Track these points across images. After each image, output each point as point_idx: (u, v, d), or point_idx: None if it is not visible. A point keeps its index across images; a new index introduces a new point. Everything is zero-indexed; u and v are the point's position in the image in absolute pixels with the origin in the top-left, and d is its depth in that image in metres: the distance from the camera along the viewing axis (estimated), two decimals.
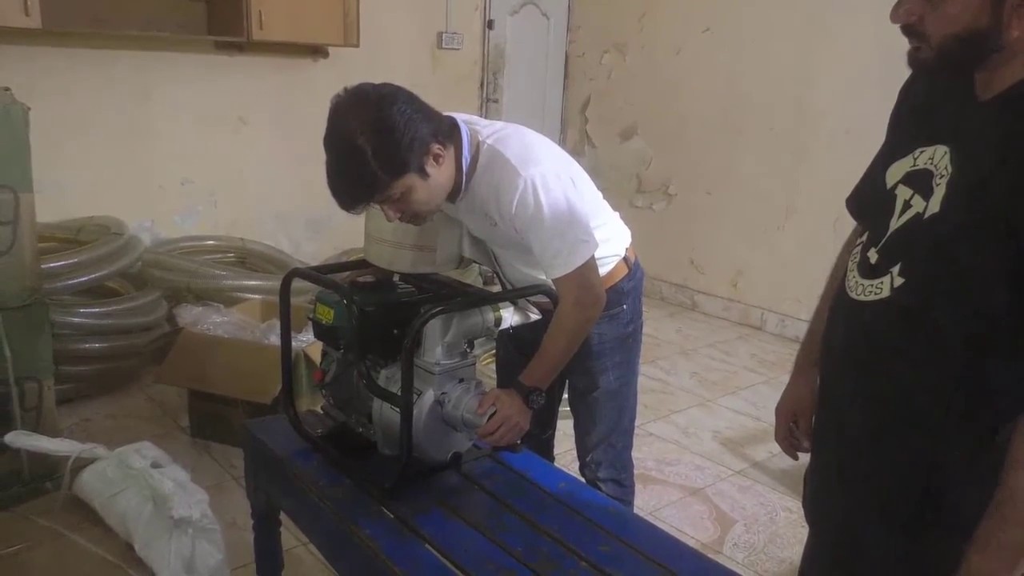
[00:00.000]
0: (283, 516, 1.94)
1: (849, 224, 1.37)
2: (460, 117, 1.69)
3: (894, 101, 1.26)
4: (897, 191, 1.13)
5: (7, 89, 2.35)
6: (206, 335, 3.06)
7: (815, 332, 1.36)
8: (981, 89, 1.06)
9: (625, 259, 1.89)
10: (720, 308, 5.13)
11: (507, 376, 1.98)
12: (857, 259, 1.18)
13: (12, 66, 3.46)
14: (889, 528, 1.15)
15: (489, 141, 1.66)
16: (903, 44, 1.10)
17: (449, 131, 1.62)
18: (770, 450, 3.27)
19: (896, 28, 1.09)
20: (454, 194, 1.68)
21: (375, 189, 1.53)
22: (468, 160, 1.65)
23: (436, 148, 1.57)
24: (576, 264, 1.63)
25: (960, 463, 1.07)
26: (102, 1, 3.76)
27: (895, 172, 1.15)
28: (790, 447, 1.47)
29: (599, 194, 1.88)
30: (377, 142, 1.48)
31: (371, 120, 1.49)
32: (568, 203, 1.62)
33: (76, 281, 3.23)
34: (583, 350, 1.84)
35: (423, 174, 1.56)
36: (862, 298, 1.13)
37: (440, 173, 1.60)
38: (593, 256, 1.67)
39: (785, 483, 2.99)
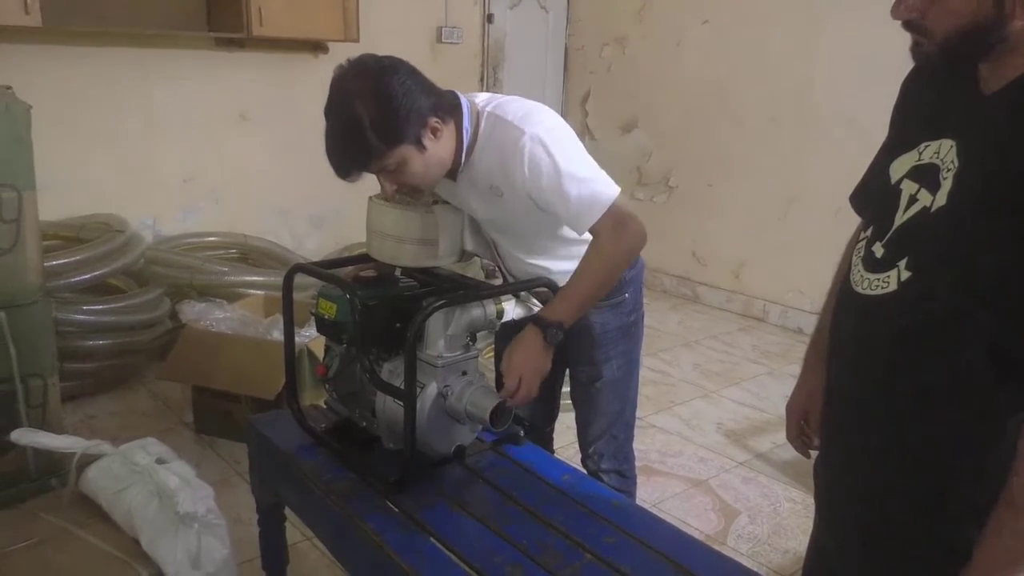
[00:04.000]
0: (288, 511, 1.95)
1: (851, 214, 1.37)
2: (460, 93, 1.70)
3: (896, 91, 1.26)
4: (902, 186, 1.12)
5: (9, 88, 2.35)
6: (209, 331, 3.07)
7: (823, 329, 1.36)
8: (986, 82, 1.06)
9: None
10: (722, 300, 5.13)
11: None
12: (862, 254, 1.17)
13: (13, 64, 3.46)
14: (900, 519, 1.15)
15: (489, 108, 1.67)
16: (905, 33, 1.10)
17: (450, 106, 1.63)
18: (773, 441, 3.27)
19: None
20: (454, 170, 1.69)
21: (370, 157, 1.55)
22: (468, 133, 1.66)
23: (434, 122, 1.58)
24: (606, 204, 1.60)
25: (970, 454, 1.07)
26: None
27: (900, 167, 1.14)
28: (802, 445, 1.47)
29: None
30: (374, 110, 1.50)
31: (370, 89, 1.51)
32: (578, 149, 1.63)
33: (79, 279, 3.24)
34: (586, 339, 1.84)
35: (420, 146, 1.57)
36: (869, 292, 1.13)
37: (438, 147, 1.60)
38: (621, 194, 1.63)
39: (788, 474, 3.00)
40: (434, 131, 1.58)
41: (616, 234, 1.62)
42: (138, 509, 1.71)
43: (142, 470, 1.77)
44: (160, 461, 1.81)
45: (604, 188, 1.62)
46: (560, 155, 1.59)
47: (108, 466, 1.81)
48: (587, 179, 1.61)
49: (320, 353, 2.02)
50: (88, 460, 1.84)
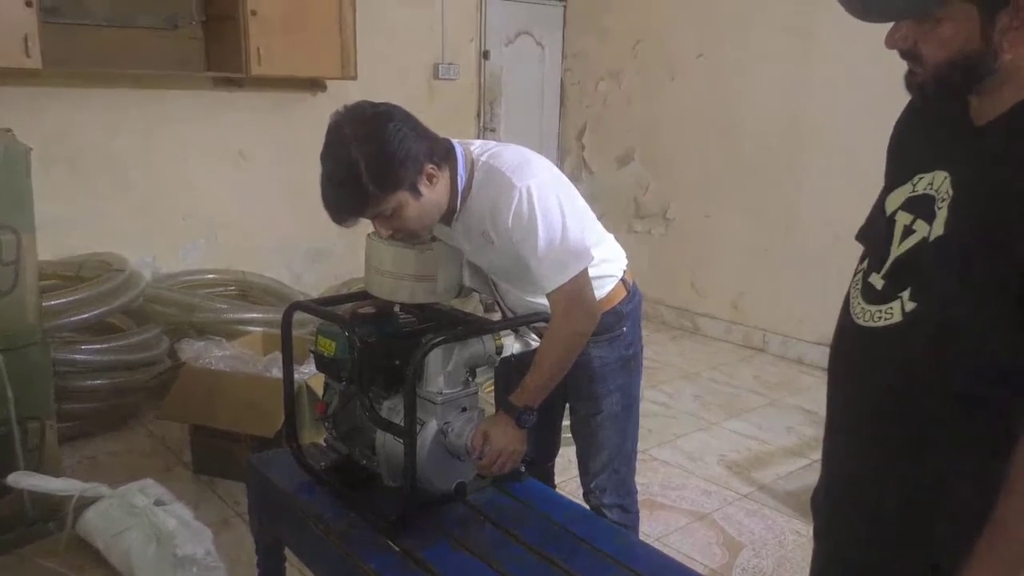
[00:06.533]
0: (288, 551, 1.92)
1: (849, 244, 1.37)
2: (455, 140, 1.72)
3: (889, 120, 1.27)
4: (896, 217, 1.14)
5: (8, 130, 2.37)
6: (208, 369, 3.06)
7: None
8: (976, 114, 1.07)
9: (623, 281, 1.89)
10: (722, 330, 5.12)
11: None
12: (860, 286, 1.18)
13: (13, 106, 3.49)
14: (909, 554, 1.14)
15: (484, 158, 1.69)
16: (896, 62, 1.12)
17: (445, 152, 1.65)
18: (776, 473, 3.25)
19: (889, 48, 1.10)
20: (449, 215, 1.70)
21: (366, 203, 1.56)
22: (463, 179, 1.67)
23: (430, 168, 1.59)
24: (570, 275, 1.63)
25: (975, 483, 1.06)
26: (101, 41, 3.81)
27: (895, 199, 1.16)
28: None
29: (592, 216, 1.89)
30: (370, 157, 1.51)
31: (366, 135, 1.53)
32: (562, 214, 1.64)
33: (78, 318, 3.23)
34: (585, 374, 1.84)
35: (415, 192, 1.58)
36: (871, 324, 1.13)
37: (433, 193, 1.62)
38: (587, 270, 1.67)
39: (792, 506, 2.97)
40: (430, 177, 1.60)
41: (566, 316, 1.66)
42: (136, 552, 1.70)
43: (140, 512, 1.76)
44: (159, 503, 1.80)
45: (573, 260, 1.64)
46: (542, 215, 1.61)
47: (106, 509, 1.79)
48: (560, 246, 1.62)
49: (319, 390, 2.01)
50: (86, 503, 1.82)
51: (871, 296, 1.14)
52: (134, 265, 3.74)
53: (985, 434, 1.05)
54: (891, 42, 1.08)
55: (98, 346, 3.32)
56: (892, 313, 1.10)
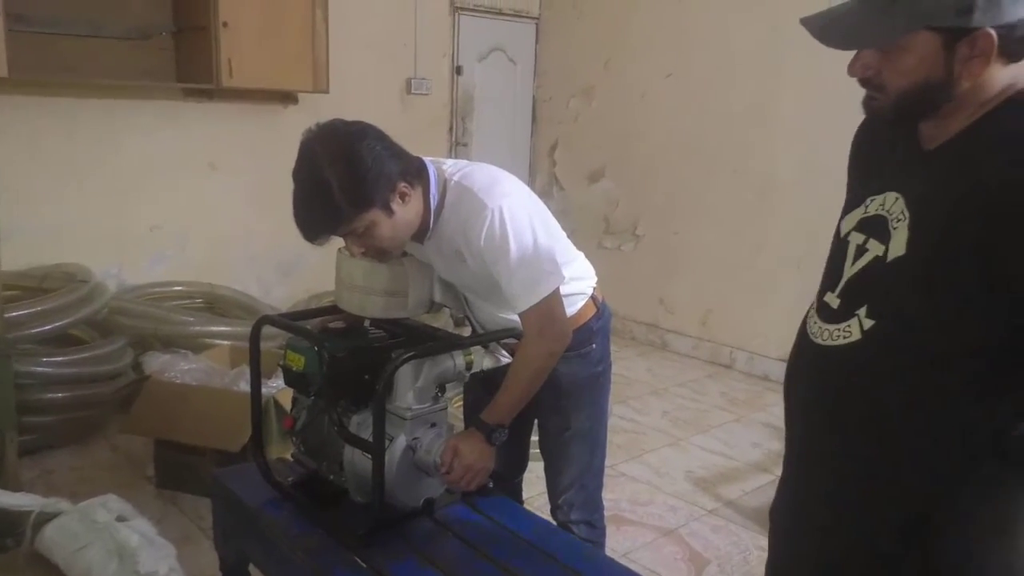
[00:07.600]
0: (253, 568, 1.90)
1: (815, 262, 1.40)
2: (427, 159, 1.73)
3: (853, 139, 1.31)
4: (850, 238, 1.17)
5: None
6: (173, 383, 3.02)
7: None
8: (928, 138, 1.11)
9: (593, 299, 1.91)
10: (690, 347, 5.17)
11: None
12: (816, 305, 1.21)
13: None
14: (864, 563, 1.16)
15: (456, 178, 1.70)
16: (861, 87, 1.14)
17: (417, 171, 1.66)
18: (742, 488, 3.28)
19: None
20: (422, 234, 1.71)
21: (338, 221, 1.56)
22: (436, 199, 1.68)
23: (403, 187, 1.60)
24: (542, 295, 1.65)
25: (940, 499, 1.08)
26: (70, 49, 3.77)
27: (849, 221, 1.19)
28: None
29: (563, 234, 1.91)
30: (343, 175, 1.52)
31: (339, 153, 1.53)
32: (534, 234, 1.65)
33: (40, 330, 3.17)
34: (554, 390, 1.85)
35: (388, 211, 1.59)
36: (829, 343, 1.15)
37: (406, 211, 1.63)
38: (558, 289, 1.69)
39: (758, 521, 3.00)
40: (402, 196, 1.61)
41: (539, 336, 1.68)
42: (97, 569, 1.66)
43: (102, 528, 1.72)
44: (120, 518, 1.77)
45: (545, 280, 1.65)
46: (514, 236, 1.62)
47: (66, 524, 1.75)
48: (532, 265, 1.64)
49: (287, 404, 2.00)
50: (45, 518, 1.79)
51: (827, 315, 1.17)
52: (99, 276, 3.69)
53: (957, 450, 1.07)
54: (853, 70, 1.11)
55: (60, 358, 3.27)
56: (851, 331, 1.12)
